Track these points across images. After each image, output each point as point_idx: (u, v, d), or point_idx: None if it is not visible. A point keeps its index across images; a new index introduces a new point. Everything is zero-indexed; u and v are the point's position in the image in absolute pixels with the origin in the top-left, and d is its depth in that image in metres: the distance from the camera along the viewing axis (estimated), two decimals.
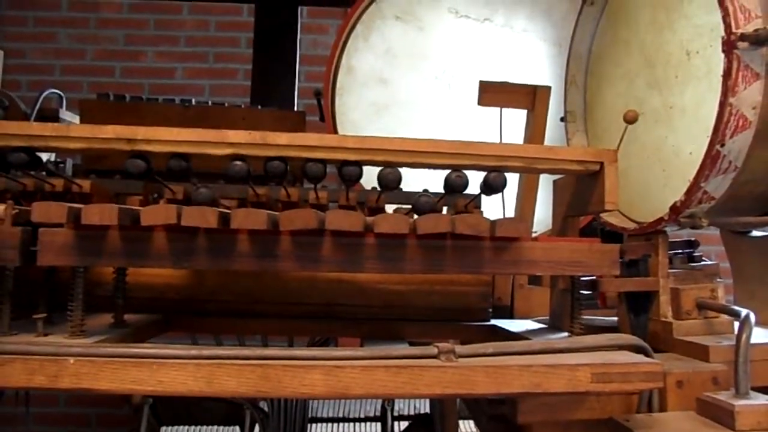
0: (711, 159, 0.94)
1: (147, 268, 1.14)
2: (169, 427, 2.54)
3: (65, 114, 1.78)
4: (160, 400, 2.44)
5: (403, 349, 0.80)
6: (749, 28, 0.90)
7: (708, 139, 0.94)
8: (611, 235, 1.19)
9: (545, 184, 1.43)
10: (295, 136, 0.91)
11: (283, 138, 0.90)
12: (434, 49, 1.75)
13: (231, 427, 2.51)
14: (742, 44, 0.89)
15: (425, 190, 0.97)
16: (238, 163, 0.89)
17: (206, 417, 2.54)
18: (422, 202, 0.93)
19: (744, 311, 0.90)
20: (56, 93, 1.84)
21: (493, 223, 0.83)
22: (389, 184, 0.94)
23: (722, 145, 0.93)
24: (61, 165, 1.60)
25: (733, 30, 0.91)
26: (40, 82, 3.07)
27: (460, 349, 0.78)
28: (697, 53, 1.03)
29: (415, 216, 0.85)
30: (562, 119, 1.44)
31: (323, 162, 0.92)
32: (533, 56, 1.76)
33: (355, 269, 0.84)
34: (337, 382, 0.73)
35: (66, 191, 1.05)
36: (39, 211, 0.76)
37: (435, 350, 0.77)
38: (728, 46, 0.91)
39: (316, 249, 0.82)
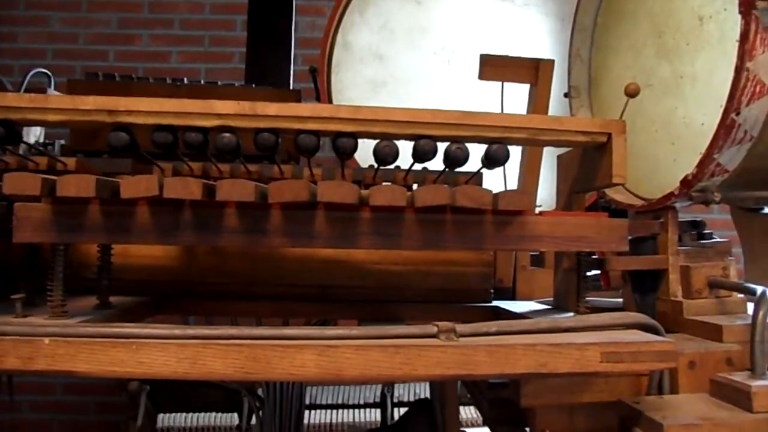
0: (725, 128, 0.89)
1: (136, 250, 1.12)
2: (167, 414, 2.51)
3: (53, 94, 1.73)
4: (158, 386, 2.41)
5: (401, 328, 0.75)
6: None
7: (722, 108, 0.89)
8: (619, 213, 1.15)
9: (549, 162, 1.38)
10: (286, 106, 0.85)
11: (273, 108, 0.85)
12: (433, 24, 1.70)
13: (229, 414, 2.48)
14: (761, 4, 0.84)
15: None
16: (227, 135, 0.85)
17: (204, 404, 2.52)
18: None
19: (760, 288, 0.85)
20: (44, 72, 1.80)
21: (496, 195, 0.79)
22: (384, 158, 0.89)
23: (738, 113, 0.88)
24: (50, 146, 1.56)
25: None
26: (33, 66, 3.01)
27: (461, 327, 0.73)
28: (710, 18, 0.98)
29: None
30: (565, 95, 1.38)
31: (316, 134, 0.87)
32: (535, 31, 1.71)
33: (350, 245, 0.79)
34: (330, 363, 0.68)
35: (50, 169, 1.01)
36: (11, 183, 0.71)
37: (434, 329, 0.73)
38: (746, 7, 0.85)
39: (309, 224, 0.78)
